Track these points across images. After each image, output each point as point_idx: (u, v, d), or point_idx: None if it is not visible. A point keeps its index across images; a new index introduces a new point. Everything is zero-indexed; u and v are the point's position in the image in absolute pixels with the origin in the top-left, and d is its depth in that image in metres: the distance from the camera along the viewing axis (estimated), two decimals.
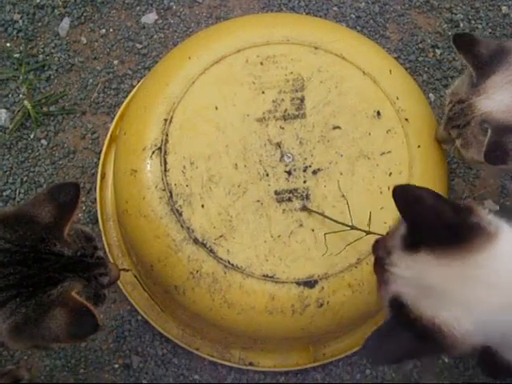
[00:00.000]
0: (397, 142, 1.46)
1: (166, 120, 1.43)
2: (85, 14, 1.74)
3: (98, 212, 1.63)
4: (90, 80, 1.71)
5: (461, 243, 1.06)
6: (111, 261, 1.59)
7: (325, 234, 1.37)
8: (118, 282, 1.59)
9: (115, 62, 1.73)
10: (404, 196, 1.10)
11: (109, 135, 1.66)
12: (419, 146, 1.46)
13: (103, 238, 1.61)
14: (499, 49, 1.37)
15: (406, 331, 1.06)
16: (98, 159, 1.65)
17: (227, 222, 1.39)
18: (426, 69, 1.77)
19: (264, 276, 1.38)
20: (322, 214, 1.39)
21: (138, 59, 1.73)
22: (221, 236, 1.39)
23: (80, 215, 1.63)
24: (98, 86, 1.71)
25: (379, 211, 1.41)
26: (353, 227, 1.37)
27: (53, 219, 1.13)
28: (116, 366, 1.59)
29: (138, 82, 1.70)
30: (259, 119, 1.45)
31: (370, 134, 1.46)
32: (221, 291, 1.38)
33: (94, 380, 1.57)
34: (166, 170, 1.40)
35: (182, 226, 1.38)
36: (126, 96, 1.69)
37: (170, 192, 1.39)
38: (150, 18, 1.76)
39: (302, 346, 1.59)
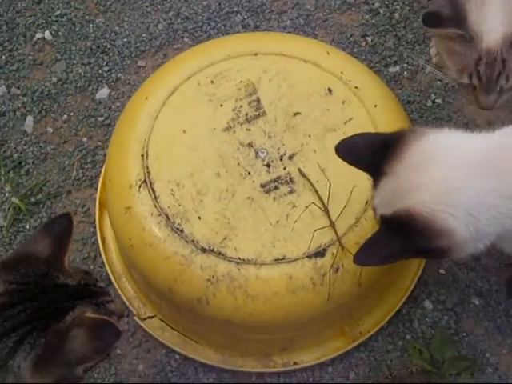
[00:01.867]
0: (354, 108, 1.57)
1: (142, 156, 1.53)
2: (44, 108, 1.87)
3: (109, 273, 1.68)
4: (66, 162, 1.81)
5: (397, 147, 1.24)
6: (135, 313, 1.64)
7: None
8: (148, 329, 1.64)
9: (84, 139, 1.84)
10: (342, 149, 1.30)
11: (97, 202, 1.74)
12: (376, 106, 1.57)
13: (121, 295, 1.66)
14: None
15: (389, 233, 1.22)
16: (95, 227, 1.73)
17: (226, 224, 1.47)
18: (363, 57, 1.90)
19: (276, 260, 1.44)
20: (310, 183, 1.48)
21: (104, 130, 1.85)
22: (225, 238, 1.46)
23: None
24: (75, 164, 1.81)
25: (359, 173, 1.50)
26: (326, 210, 1.45)
27: (51, 251, 1.19)
28: None
29: None
30: (225, 129, 1.55)
31: (328, 110, 1.57)
32: (240, 287, 1.43)
33: None
34: (156, 198, 1.49)
35: (186, 241, 1.45)
36: (103, 165, 1.78)
37: (166, 215, 1.47)
38: (104, 93, 1.89)
39: (338, 329, 1.61)
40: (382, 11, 1.96)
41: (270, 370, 1.62)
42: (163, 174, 1.51)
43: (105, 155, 1.81)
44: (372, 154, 1.28)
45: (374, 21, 1.95)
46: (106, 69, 1.92)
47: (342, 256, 1.44)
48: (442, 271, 1.71)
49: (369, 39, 1.93)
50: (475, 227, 1.20)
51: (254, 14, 1.97)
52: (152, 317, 1.66)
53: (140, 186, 1.50)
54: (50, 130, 1.85)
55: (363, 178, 1.47)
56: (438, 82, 1.89)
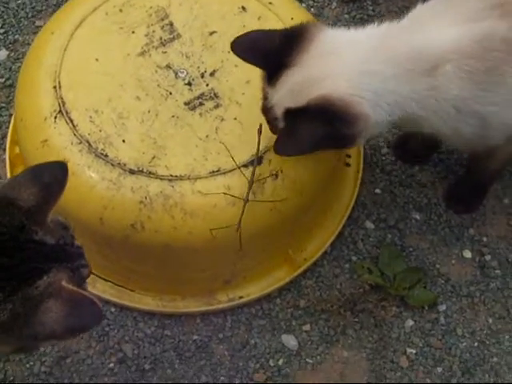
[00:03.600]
0: (271, 22, 1.51)
1: (54, 87, 1.43)
2: None
3: None
4: None
5: (300, 39, 1.25)
6: None
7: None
8: None
9: None
10: (238, 46, 1.29)
11: (8, 161, 1.62)
12: (292, 18, 1.52)
13: None
14: None
15: (309, 121, 1.22)
16: None
17: (153, 144, 1.38)
18: None
19: (211, 173, 1.35)
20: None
21: (7, 91, 1.74)
22: (153, 158, 1.36)
23: None
24: None
25: None
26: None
27: (35, 203, 1.00)
28: (111, 365, 1.46)
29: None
30: (140, 53, 1.48)
31: (245, 26, 1.51)
32: (176, 205, 1.34)
33: None
34: (74, 126, 1.39)
35: (112, 165, 1.35)
36: (9, 126, 1.67)
37: (88, 142, 1.37)
38: (2, 54, 1.78)
39: (283, 255, 1.53)
40: None
41: (215, 307, 1.52)
42: (79, 102, 1.41)
43: (10, 116, 1.69)
44: (272, 48, 1.26)
45: None
46: (1, 31, 1.81)
47: (279, 162, 1.38)
48: (377, 191, 1.66)
49: None
50: (383, 111, 1.24)
51: None
52: None
53: (56, 117, 1.40)
54: None
55: None
56: (346, 16, 1.88)
